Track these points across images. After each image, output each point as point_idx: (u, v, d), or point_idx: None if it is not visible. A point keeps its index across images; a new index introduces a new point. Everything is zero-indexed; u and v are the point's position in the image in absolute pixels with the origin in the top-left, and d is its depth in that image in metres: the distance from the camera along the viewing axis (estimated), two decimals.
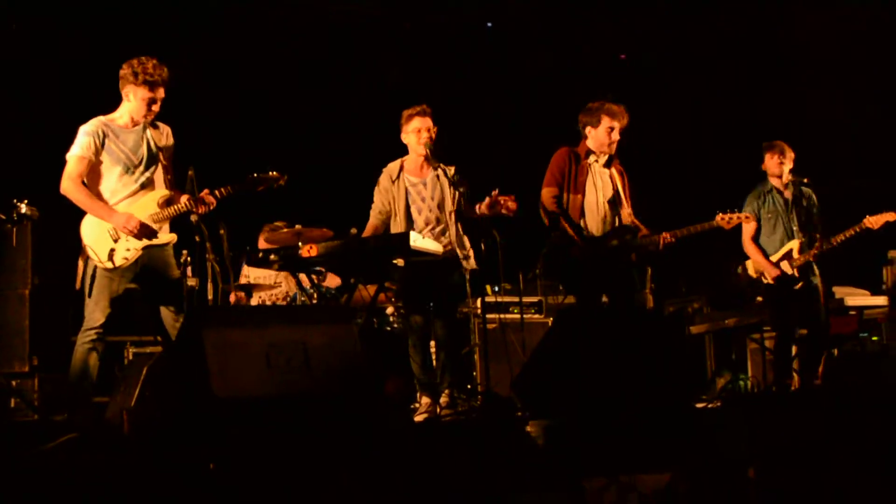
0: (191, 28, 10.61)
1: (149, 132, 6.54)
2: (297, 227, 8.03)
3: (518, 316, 9.32)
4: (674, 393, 5.85)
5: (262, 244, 8.85)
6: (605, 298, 7.60)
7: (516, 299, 9.54)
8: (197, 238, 6.81)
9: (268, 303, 9.21)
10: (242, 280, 9.17)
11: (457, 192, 7.14)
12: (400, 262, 6.95)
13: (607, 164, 7.64)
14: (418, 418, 6.91)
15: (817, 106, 11.19)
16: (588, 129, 7.65)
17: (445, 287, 7.16)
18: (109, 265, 6.34)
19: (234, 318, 5.45)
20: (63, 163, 6.41)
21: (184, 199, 6.49)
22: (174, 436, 4.91)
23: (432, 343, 7.46)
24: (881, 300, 9.55)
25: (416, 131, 7.27)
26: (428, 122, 7.28)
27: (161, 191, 6.54)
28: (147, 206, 6.45)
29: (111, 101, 6.57)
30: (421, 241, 6.85)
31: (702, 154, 11.98)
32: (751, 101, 11.74)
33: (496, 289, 9.63)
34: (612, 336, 5.89)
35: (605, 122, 7.57)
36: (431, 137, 7.25)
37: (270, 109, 11.01)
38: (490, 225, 7.10)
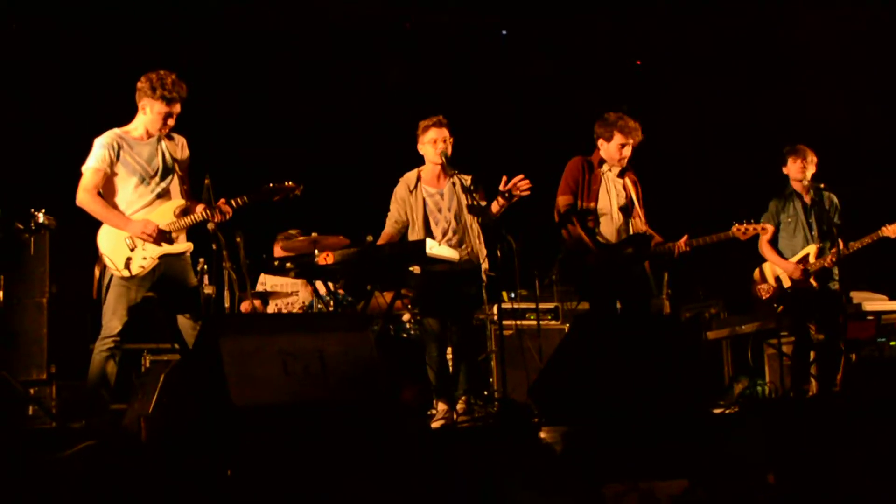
0: (209, 38, 10.63)
1: (164, 143, 6.56)
2: (314, 234, 8.03)
3: (535, 322, 9.30)
4: (691, 399, 5.84)
5: (277, 252, 8.86)
6: (619, 305, 7.58)
7: (533, 305, 9.52)
8: (214, 246, 6.82)
9: (284, 311, 9.22)
10: (259, 288, 9.18)
11: (473, 198, 7.14)
12: (416, 269, 6.95)
13: (621, 174, 7.64)
14: (435, 425, 6.91)
15: (832, 110, 11.14)
16: (601, 142, 7.65)
17: (461, 294, 7.16)
18: (126, 274, 6.36)
19: (251, 326, 5.46)
20: (79, 173, 6.43)
21: (200, 208, 6.50)
22: (191, 443, 4.92)
23: (449, 350, 7.46)
24: None
25: (433, 142, 7.28)
26: (444, 132, 7.30)
27: (177, 201, 6.56)
28: (163, 217, 6.47)
29: (127, 113, 6.59)
30: (437, 248, 6.86)
31: (717, 161, 11.94)
32: (766, 105, 11.69)
33: (512, 295, 9.62)
34: (629, 342, 5.88)
35: (618, 138, 7.56)
36: (448, 147, 7.26)
37: (287, 118, 11.01)
38: (506, 231, 7.08)
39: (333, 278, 7.81)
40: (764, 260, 8.72)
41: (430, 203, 7.35)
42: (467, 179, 7.23)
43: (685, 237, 7.53)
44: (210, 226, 6.56)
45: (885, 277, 9.51)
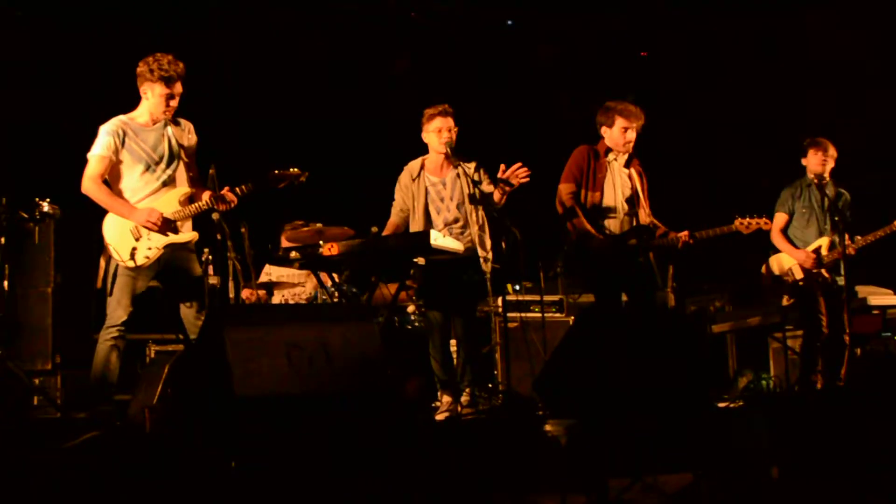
0: (215, 26, 10.62)
1: (170, 129, 6.55)
2: (318, 225, 8.02)
3: (539, 314, 9.29)
4: (695, 392, 5.83)
5: (284, 243, 8.85)
6: (625, 297, 7.58)
7: (537, 298, 9.52)
8: (218, 236, 6.81)
9: (290, 301, 9.21)
10: (264, 278, 9.17)
11: (479, 191, 7.12)
12: (421, 260, 6.94)
13: (627, 164, 7.62)
14: (439, 417, 6.91)
15: (840, 102, 11.12)
16: (603, 129, 7.64)
17: (465, 285, 7.15)
18: (131, 264, 6.35)
19: (256, 317, 5.46)
20: (84, 161, 6.42)
21: (205, 196, 6.49)
22: (195, 434, 4.92)
23: (453, 342, 7.45)
24: None
25: (437, 131, 7.28)
26: (449, 121, 7.29)
27: (183, 188, 6.55)
28: (169, 204, 6.46)
29: (132, 100, 6.58)
30: (442, 239, 6.85)
31: (722, 153, 11.92)
32: (774, 96, 11.66)
33: (517, 287, 9.61)
34: (633, 335, 5.87)
35: (620, 122, 7.56)
36: (452, 137, 7.25)
37: (292, 107, 11.00)
38: (510, 222, 7.08)
39: (338, 269, 7.80)
40: (768, 254, 8.71)
41: (432, 192, 7.35)
42: (470, 168, 7.22)
43: (686, 232, 7.53)
44: (215, 215, 6.55)
45: (891, 272, 9.49)
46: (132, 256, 6.35)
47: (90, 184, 6.38)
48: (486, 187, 7.16)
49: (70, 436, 4.71)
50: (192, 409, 5.29)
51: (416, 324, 8.76)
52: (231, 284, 7.81)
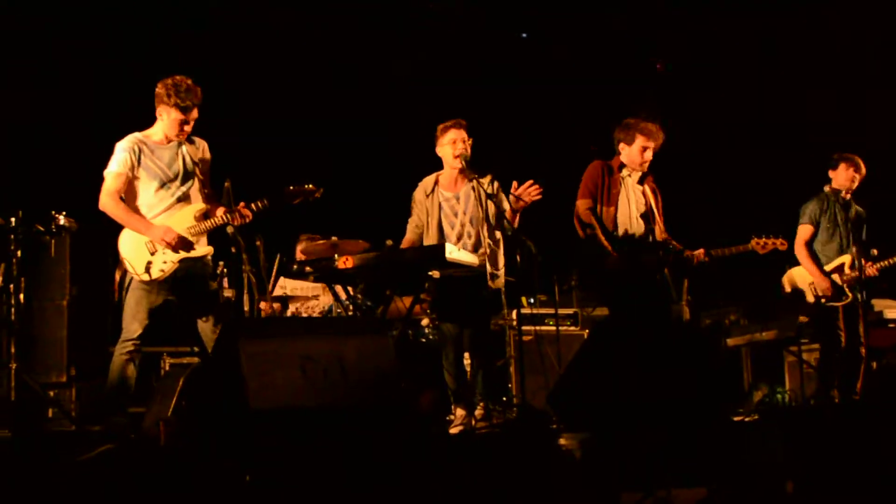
0: (231, 41, 10.65)
1: (184, 147, 6.59)
2: (334, 238, 8.03)
3: (554, 328, 9.28)
4: (710, 406, 5.81)
5: (299, 256, 8.87)
6: (639, 311, 7.57)
7: (552, 311, 9.50)
8: (233, 250, 6.83)
9: (303, 314, 9.22)
10: (279, 291, 9.19)
11: (493, 204, 7.12)
12: (436, 273, 6.94)
13: (641, 181, 7.63)
14: (453, 430, 6.90)
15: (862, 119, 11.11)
16: (622, 146, 7.65)
17: (479, 299, 7.14)
18: (146, 277, 6.38)
19: (271, 330, 5.47)
20: (101, 177, 6.46)
21: (220, 211, 6.52)
22: (210, 446, 4.93)
23: (467, 355, 7.44)
24: None
25: (452, 143, 7.27)
26: (463, 134, 7.28)
27: (198, 204, 6.58)
28: (184, 220, 6.49)
29: (149, 116, 6.62)
30: (457, 252, 6.84)
31: (737, 169, 11.89)
32: (791, 112, 11.65)
33: (531, 300, 9.60)
34: (648, 349, 5.86)
35: (640, 141, 7.57)
36: (467, 149, 7.25)
37: (308, 121, 11.02)
38: (525, 236, 7.07)
39: (353, 283, 7.81)
40: (784, 269, 8.68)
41: (445, 207, 7.34)
42: (485, 182, 7.21)
43: (702, 250, 7.52)
44: (230, 228, 6.57)
45: None
46: (147, 270, 6.38)
47: (107, 200, 6.43)
48: (503, 203, 7.17)
49: (85, 448, 4.72)
50: (206, 421, 5.29)
51: (431, 337, 8.76)
52: (246, 297, 7.82)
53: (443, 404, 7.44)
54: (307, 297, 9.28)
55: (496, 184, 7.27)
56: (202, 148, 6.72)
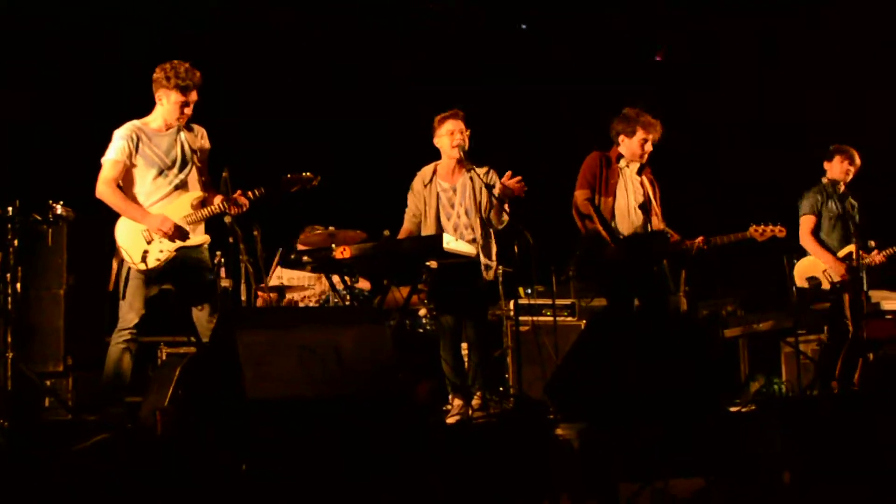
0: (228, 29, 10.63)
1: (183, 135, 6.58)
2: (331, 228, 8.02)
3: (551, 318, 9.28)
4: (707, 397, 5.81)
5: (299, 246, 8.86)
6: (636, 302, 7.57)
7: (549, 302, 9.50)
8: (230, 239, 6.82)
9: (300, 304, 9.22)
10: (275, 281, 9.18)
11: (489, 196, 7.12)
12: (433, 263, 6.94)
13: (639, 172, 7.62)
14: (450, 420, 6.90)
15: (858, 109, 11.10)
16: (621, 138, 7.63)
17: (476, 289, 7.14)
18: (143, 266, 6.38)
19: (268, 320, 5.47)
20: (98, 166, 6.46)
21: (217, 200, 6.51)
22: (206, 437, 4.92)
23: (464, 345, 7.44)
24: None
25: (449, 134, 7.27)
26: (460, 124, 7.28)
27: (195, 192, 6.57)
28: (181, 208, 6.48)
29: (146, 104, 6.61)
30: (454, 243, 6.84)
31: (736, 158, 11.89)
32: (786, 102, 11.65)
33: (529, 291, 9.60)
34: (645, 340, 5.86)
35: (640, 133, 7.56)
36: (465, 140, 7.24)
37: (306, 110, 11.01)
38: (522, 226, 7.07)
39: (350, 273, 7.80)
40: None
41: (443, 198, 7.34)
42: (482, 172, 7.21)
43: (701, 238, 7.52)
44: (227, 218, 6.56)
45: None
46: (143, 259, 6.37)
47: (104, 188, 6.43)
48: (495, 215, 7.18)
49: (81, 438, 4.72)
50: (203, 411, 5.29)
51: (428, 327, 8.76)
52: (243, 287, 7.82)
53: (440, 394, 7.45)
54: (304, 286, 9.28)
55: (493, 174, 7.26)
56: (201, 135, 6.71)
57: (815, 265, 8.55)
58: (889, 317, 9.24)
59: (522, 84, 11.92)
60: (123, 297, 6.40)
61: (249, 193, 6.52)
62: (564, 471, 4.91)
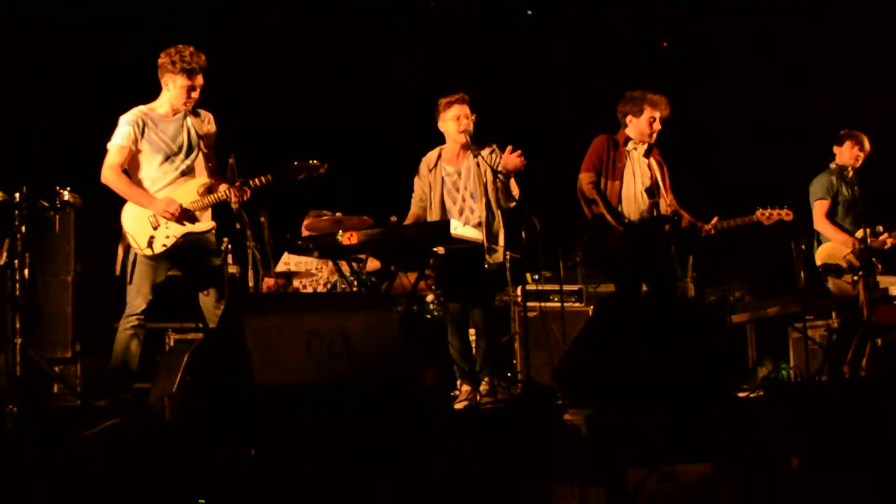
0: (235, 16, 10.63)
1: (189, 120, 6.57)
2: (338, 214, 8.02)
3: (558, 304, 9.28)
4: (714, 382, 5.81)
5: (305, 231, 8.85)
6: (644, 287, 7.56)
7: (556, 287, 9.49)
8: (238, 225, 6.82)
9: (309, 289, 9.22)
10: (282, 267, 9.18)
11: (496, 178, 7.11)
12: (440, 249, 6.93)
13: (646, 154, 7.60)
14: (458, 406, 6.91)
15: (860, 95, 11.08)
16: (629, 119, 7.59)
17: (483, 275, 7.14)
18: (149, 252, 6.38)
19: (275, 305, 5.47)
20: (104, 150, 6.45)
21: (223, 187, 6.50)
22: (214, 422, 4.93)
23: (472, 331, 7.44)
24: None
25: (456, 118, 7.25)
26: (466, 108, 7.27)
27: (202, 178, 6.57)
28: (188, 194, 6.48)
29: (152, 90, 6.60)
30: (461, 228, 6.83)
31: (742, 144, 11.87)
32: (794, 89, 11.63)
33: (536, 277, 9.59)
34: (653, 325, 5.86)
35: (648, 111, 7.52)
36: (470, 124, 7.22)
37: (312, 96, 11.00)
38: (529, 211, 7.06)
39: (358, 258, 7.81)
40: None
41: (448, 182, 7.34)
42: (486, 153, 7.19)
43: (715, 219, 7.49)
44: (234, 204, 6.56)
45: None
46: (150, 245, 6.38)
47: (109, 173, 6.43)
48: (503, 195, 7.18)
49: (90, 423, 4.73)
50: (211, 397, 5.30)
51: (435, 313, 8.76)
52: (250, 273, 7.82)
53: (448, 380, 7.45)
54: (311, 272, 9.28)
55: (497, 154, 7.24)
56: (207, 120, 6.70)
57: (836, 251, 8.49)
58: None
59: (528, 65, 11.91)
60: (131, 282, 6.40)
61: (256, 181, 6.50)
62: (572, 456, 4.92)
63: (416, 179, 7.45)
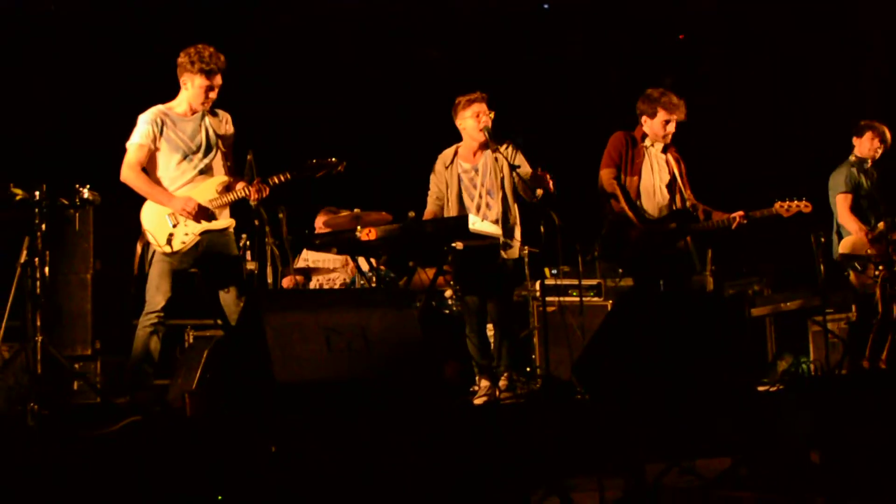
0: (254, 14, 10.65)
1: (207, 119, 6.59)
2: (356, 210, 8.03)
3: (577, 299, 9.27)
4: (734, 376, 5.80)
5: (319, 226, 8.85)
6: (663, 282, 7.54)
7: (575, 282, 9.48)
8: (256, 222, 6.84)
9: (326, 286, 9.22)
10: (301, 264, 9.19)
11: (513, 174, 7.12)
12: (459, 245, 6.93)
13: (664, 150, 7.59)
14: (477, 401, 6.91)
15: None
16: (644, 118, 7.58)
17: (501, 270, 7.14)
18: (168, 249, 6.41)
19: (295, 302, 5.48)
20: (123, 149, 6.48)
21: (240, 185, 6.52)
22: (235, 418, 4.95)
23: (490, 326, 7.44)
24: None
25: (475, 116, 7.25)
26: (484, 107, 7.27)
27: (220, 177, 6.59)
28: (206, 192, 6.50)
29: (172, 89, 6.62)
30: (480, 224, 6.83)
31: (760, 136, 11.83)
32: (811, 79, 11.59)
33: (555, 271, 9.58)
34: (672, 319, 5.85)
35: (662, 114, 7.50)
36: (489, 122, 7.22)
37: (331, 94, 11.01)
38: (549, 207, 7.06)
39: (376, 255, 7.81)
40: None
41: (465, 179, 7.34)
42: (502, 148, 7.19)
43: (742, 211, 7.43)
44: (252, 202, 6.58)
45: None
46: (169, 242, 6.40)
47: (129, 172, 6.46)
48: (525, 166, 7.16)
49: (110, 421, 4.75)
50: (231, 394, 5.31)
51: (454, 308, 8.76)
52: (269, 270, 7.84)
53: (467, 375, 7.45)
54: (330, 269, 9.28)
55: (512, 150, 7.24)
56: (225, 120, 6.72)
57: (860, 244, 8.43)
58: None
59: (545, 59, 11.89)
60: (150, 280, 6.43)
61: (275, 179, 6.52)
62: (591, 451, 4.91)
63: (432, 176, 7.45)
